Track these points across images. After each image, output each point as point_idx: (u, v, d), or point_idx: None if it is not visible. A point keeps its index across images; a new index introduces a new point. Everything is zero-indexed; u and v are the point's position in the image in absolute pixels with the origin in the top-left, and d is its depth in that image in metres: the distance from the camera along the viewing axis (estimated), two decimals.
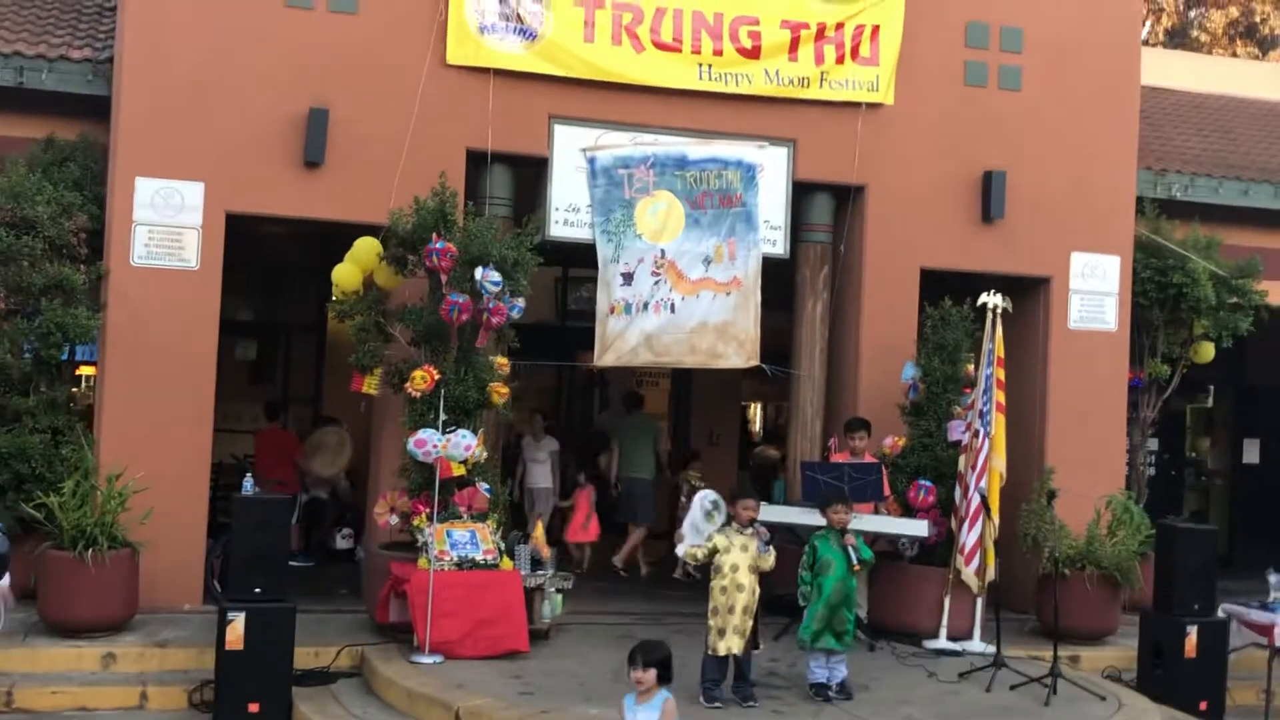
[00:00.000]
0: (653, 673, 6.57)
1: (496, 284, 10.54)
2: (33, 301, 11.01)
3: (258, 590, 9.26)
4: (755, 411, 22.24)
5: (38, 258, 10.92)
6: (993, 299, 11.51)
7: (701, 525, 9.00)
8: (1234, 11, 28.70)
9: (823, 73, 12.70)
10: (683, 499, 15.00)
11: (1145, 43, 25.45)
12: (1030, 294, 13.45)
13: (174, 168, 11.35)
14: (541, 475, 14.99)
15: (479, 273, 10.50)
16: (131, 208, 11.27)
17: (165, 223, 11.34)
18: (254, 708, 9.08)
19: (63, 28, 12.67)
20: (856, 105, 12.79)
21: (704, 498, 9.00)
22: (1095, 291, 13.51)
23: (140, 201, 11.29)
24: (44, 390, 11.13)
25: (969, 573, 11.24)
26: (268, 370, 17.21)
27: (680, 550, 9.29)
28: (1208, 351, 14.45)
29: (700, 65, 12.42)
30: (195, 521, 11.40)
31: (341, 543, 14.28)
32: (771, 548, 9.12)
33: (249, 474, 11.04)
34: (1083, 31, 13.52)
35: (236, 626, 9.10)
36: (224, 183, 11.45)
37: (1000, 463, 11.42)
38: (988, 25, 13.27)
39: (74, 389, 12.30)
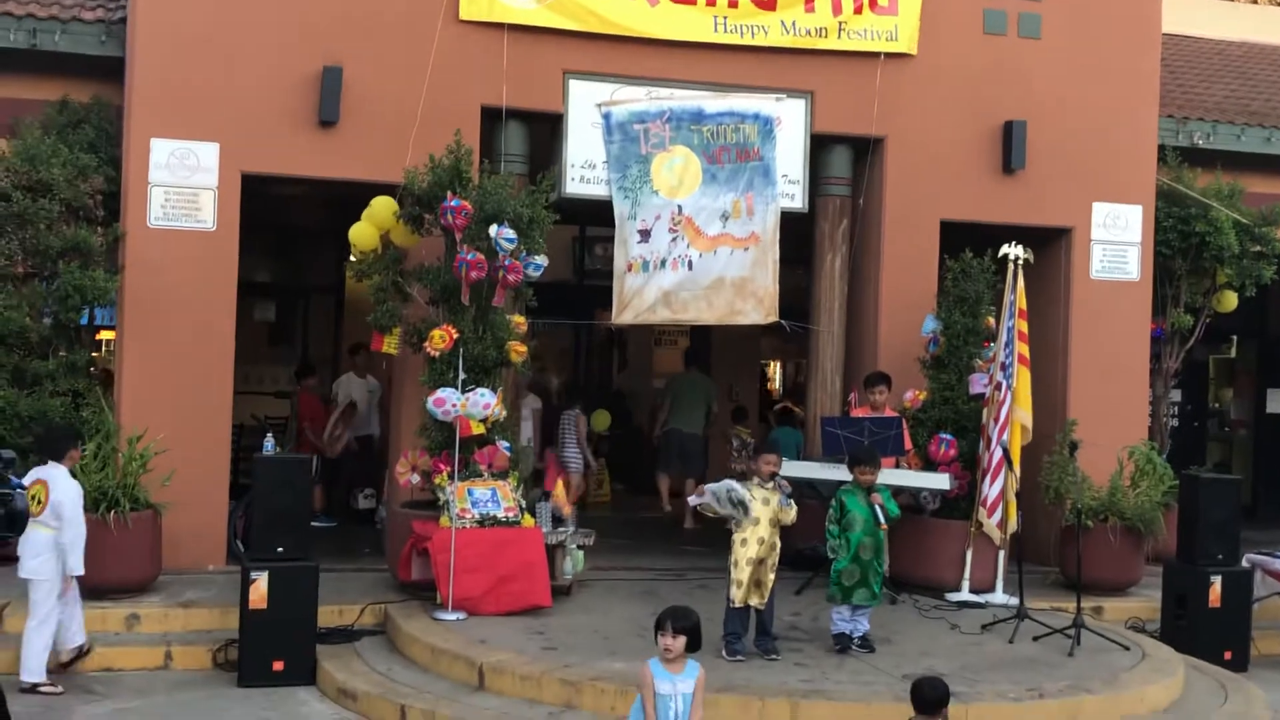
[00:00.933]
0: (683, 640, 6.36)
1: (511, 241, 10.50)
2: (50, 264, 11.01)
3: (280, 550, 9.28)
4: (775, 369, 22.23)
5: (54, 220, 10.92)
6: (1014, 250, 11.44)
7: (724, 502, 8.95)
8: None
9: (840, 23, 12.56)
10: (734, 452, 15.27)
11: None
12: (1051, 245, 13.34)
13: (189, 128, 11.31)
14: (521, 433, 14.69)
15: (493, 230, 10.46)
16: (147, 169, 11.25)
17: (181, 184, 11.32)
18: (278, 666, 9.13)
19: None
20: (875, 56, 12.66)
21: (732, 490, 8.89)
22: (1117, 241, 13.39)
23: (156, 163, 11.26)
24: (63, 354, 11.14)
25: (991, 524, 11.21)
26: (287, 332, 17.24)
27: (694, 500, 9.25)
28: (1231, 301, 14.36)
29: (715, 17, 12.30)
30: (217, 482, 11.44)
31: (364, 502, 14.31)
32: (793, 501, 9.10)
33: (269, 434, 11.05)
34: None
35: (260, 586, 9.12)
36: (239, 143, 11.41)
37: (1025, 416, 11.38)
38: None
39: (94, 353, 12.32)
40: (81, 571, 9.00)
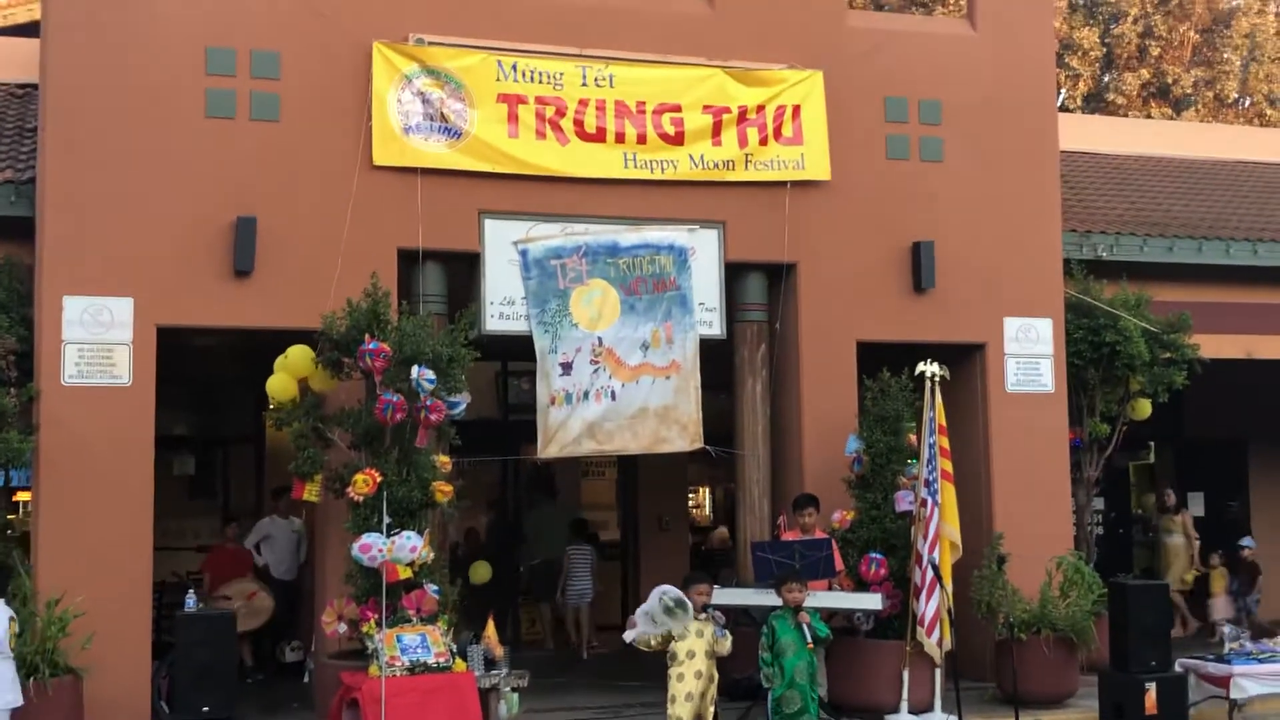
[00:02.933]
0: None
1: (432, 382, 10.49)
2: None
3: (206, 709, 9.08)
4: (704, 495, 22.20)
5: None
6: (930, 368, 11.59)
7: (659, 618, 8.86)
8: (1146, 74, 29.35)
9: (747, 155, 12.82)
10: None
11: (1063, 108, 25.99)
12: (967, 360, 13.55)
13: (102, 284, 11.24)
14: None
15: (414, 372, 10.44)
16: (60, 326, 11.13)
17: (95, 340, 11.21)
18: None
19: None
20: (783, 184, 12.91)
21: (665, 593, 8.82)
22: (1030, 355, 13.63)
23: (69, 320, 11.16)
24: None
25: (930, 643, 11.18)
26: (207, 484, 16.97)
27: (629, 636, 9.13)
28: (1145, 408, 14.58)
29: (625, 154, 12.51)
30: (139, 643, 11.13)
31: (291, 655, 13.97)
32: (728, 631, 9.03)
33: (191, 591, 10.84)
34: (1000, 99, 13.76)
35: None
36: (153, 296, 11.34)
37: (953, 531, 11.43)
38: (905, 99, 13.47)
39: (10, 515, 12.07)
40: None
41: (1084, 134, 18.41)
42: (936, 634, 11.20)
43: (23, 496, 13.14)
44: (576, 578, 15.84)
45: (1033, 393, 13.60)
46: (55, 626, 10.12)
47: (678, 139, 12.64)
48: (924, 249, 13.17)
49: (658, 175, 12.61)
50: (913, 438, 11.98)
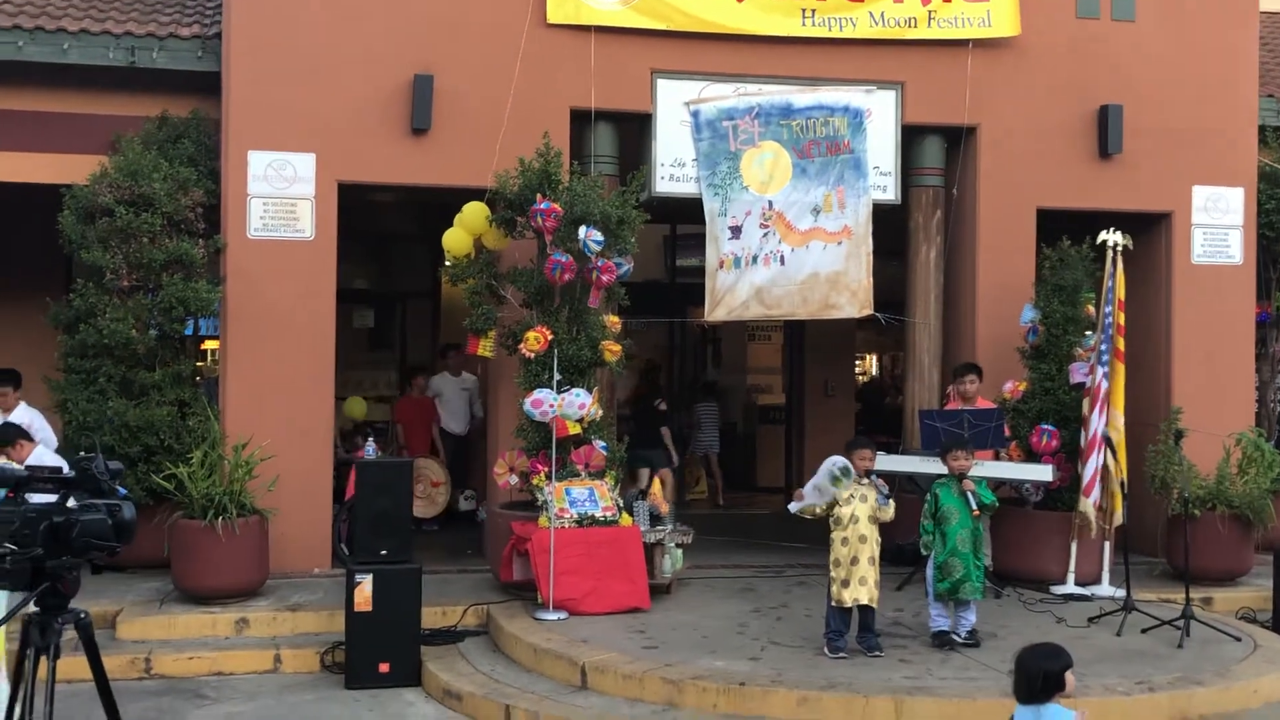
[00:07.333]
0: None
1: (599, 243, 10.56)
2: (154, 277, 11.22)
3: (384, 552, 9.38)
4: (871, 362, 22.10)
5: (157, 233, 11.12)
6: (1113, 236, 11.24)
7: (826, 489, 8.87)
8: None
9: (930, 11, 12.43)
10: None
11: None
12: (1151, 230, 13.11)
13: (285, 140, 11.52)
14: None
15: (581, 232, 10.52)
16: (246, 181, 11.46)
17: (279, 194, 11.52)
18: (384, 667, 9.22)
19: (171, 6, 12.83)
20: (965, 44, 12.52)
21: (834, 463, 8.82)
22: (1218, 225, 13.13)
23: (254, 174, 11.47)
24: (169, 364, 11.37)
25: (1088, 504, 10.92)
26: (385, 338, 17.46)
27: (794, 507, 9.16)
28: None
29: (803, 11, 12.24)
30: (320, 487, 11.61)
31: (464, 504, 14.45)
32: (891, 499, 9.01)
33: (370, 439, 11.19)
34: None
35: (364, 588, 9.23)
36: (334, 153, 11.59)
37: (1117, 416, 11.14)
38: None
39: (199, 363, 12.56)
40: None
41: None
42: (1095, 495, 10.92)
43: (210, 345, 13.68)
44: (705, 429, 17.16)
45: (1220, 264, 13.13)
46: (242, 469, 10.58)
47: None
48: (1111, 112, 12.69)
49: (835, 33, 12.32)
50: (1091, 308, 11.69)
